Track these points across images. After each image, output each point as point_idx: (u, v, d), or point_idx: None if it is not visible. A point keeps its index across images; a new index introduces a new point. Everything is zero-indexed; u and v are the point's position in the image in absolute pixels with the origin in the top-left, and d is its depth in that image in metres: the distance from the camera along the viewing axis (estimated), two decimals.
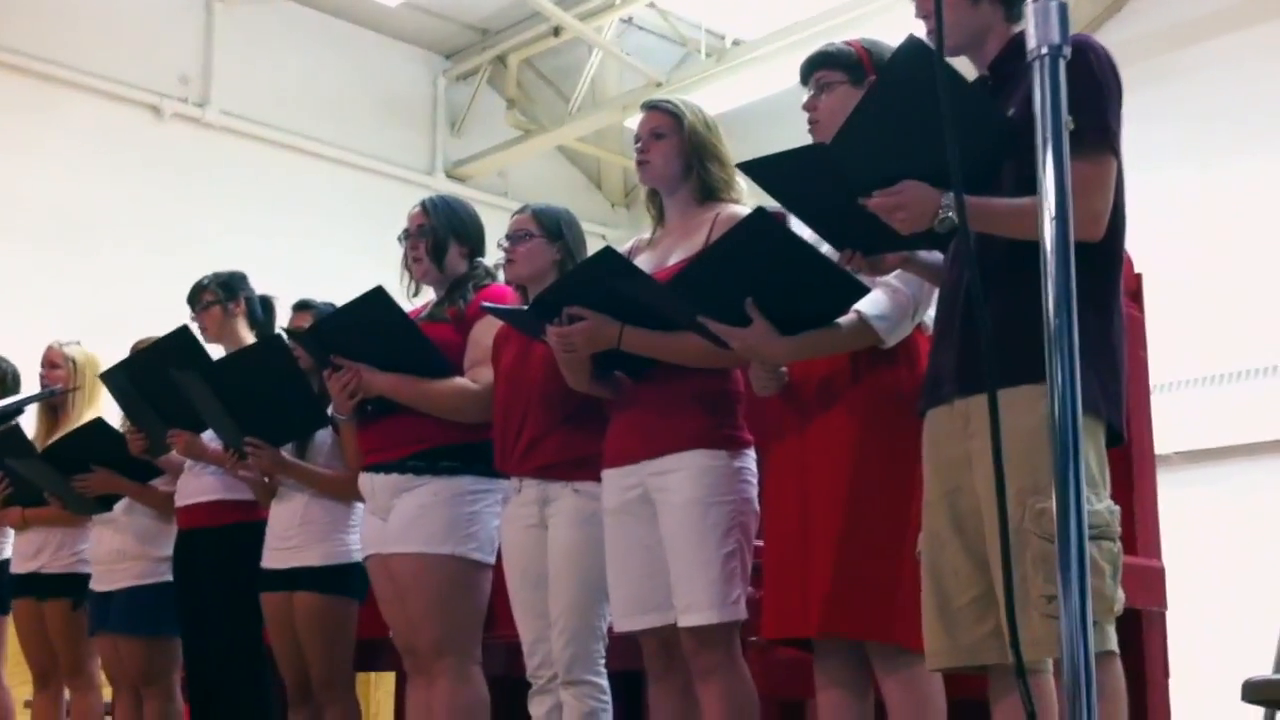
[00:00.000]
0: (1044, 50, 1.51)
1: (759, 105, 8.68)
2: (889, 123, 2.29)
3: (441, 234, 3.71)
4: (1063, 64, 1.52)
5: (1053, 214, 1.54)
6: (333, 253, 8.83)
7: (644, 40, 9.82)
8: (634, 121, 9.53)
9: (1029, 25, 1.56)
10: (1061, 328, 1.61)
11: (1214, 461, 7.39)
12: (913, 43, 2.26)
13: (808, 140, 2.87)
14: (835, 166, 2.37)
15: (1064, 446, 1.61)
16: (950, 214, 2.28)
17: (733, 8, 9.08)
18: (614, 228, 10.64)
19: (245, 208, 8.84)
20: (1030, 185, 1.68)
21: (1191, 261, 7.66)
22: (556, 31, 9.51)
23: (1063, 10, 1.53)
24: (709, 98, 8.85)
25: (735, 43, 9.22)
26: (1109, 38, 8.43)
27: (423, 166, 10.02)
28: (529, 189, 10.33)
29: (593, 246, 10.60)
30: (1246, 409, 7.51)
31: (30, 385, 5.21)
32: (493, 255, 3.75)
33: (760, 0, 8.82)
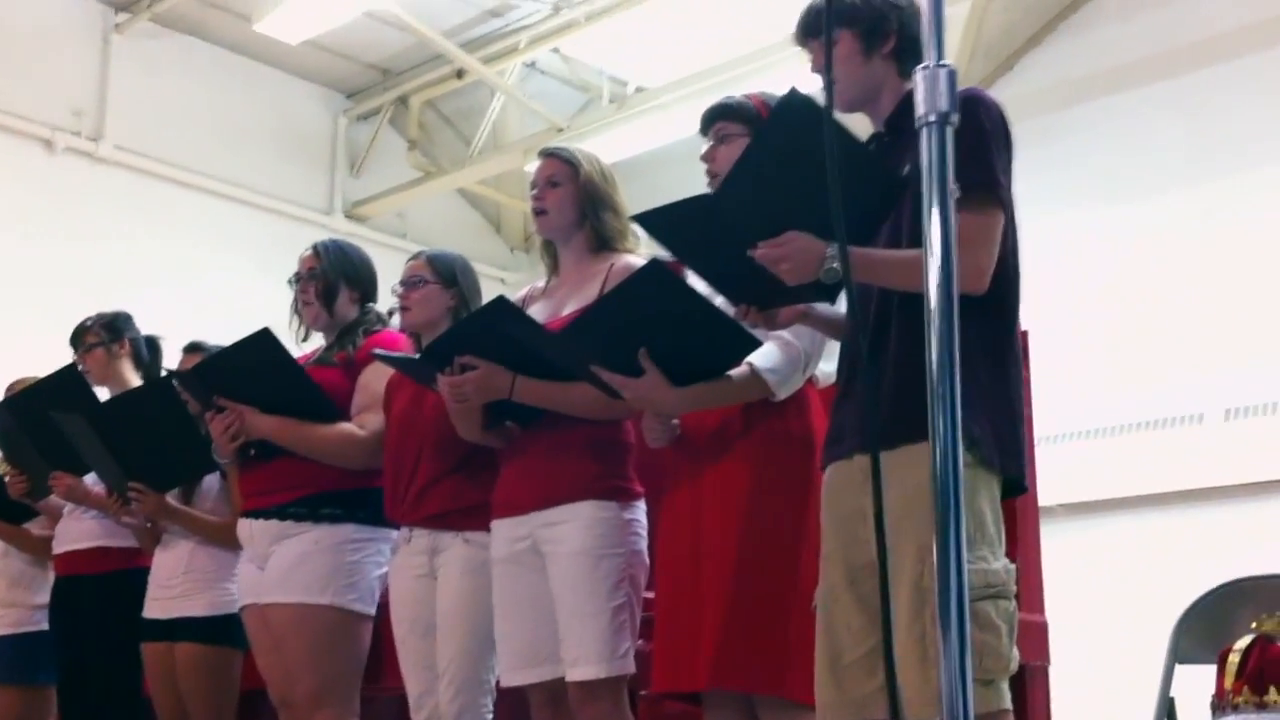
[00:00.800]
0: (932, 117, 1.52)
1: (661, 152, 8.72)
2: (773, 174, 2.31)
3: (333, 278, 3.67)
4: (950, 131, 1.53)
5: (937, 274, 1.55)
6: (228, 290, 8.69)
7: (547, 85, 9.83)
8: (535, 166, 9.54)
9: (917, 92, 1.57)
10: (944, 384, 1.61)
11: (1097, 514, 7.51)
12: (795, 95, 2.28)
13: (707, 190, 2.89)
14: (721, 217, 2.38)
15: (945, 503, 1.62)
16: (835, 265, 2.29)
17: (635, 55, 9.13)
18: (514, 271, 10.60)
19: (139, 243, 8.66)
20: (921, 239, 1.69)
21: (1078, 313, 7.81)
22: (460, 74, 9.49)
23: (951, 77, 1.53)
24: (611, 143, 8.92)
25: (638, 89, 9.27)
26: (1000, 94, 8.60)
27: (321, 205, 9.91)
28: (428, 231, 10.28)
29: (492, 290, 10.59)
30: (1130, 462, 7.65)
31: None
32: (386, 300, 3.71)
33: (663, 48, 8.88)
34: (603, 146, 8.94)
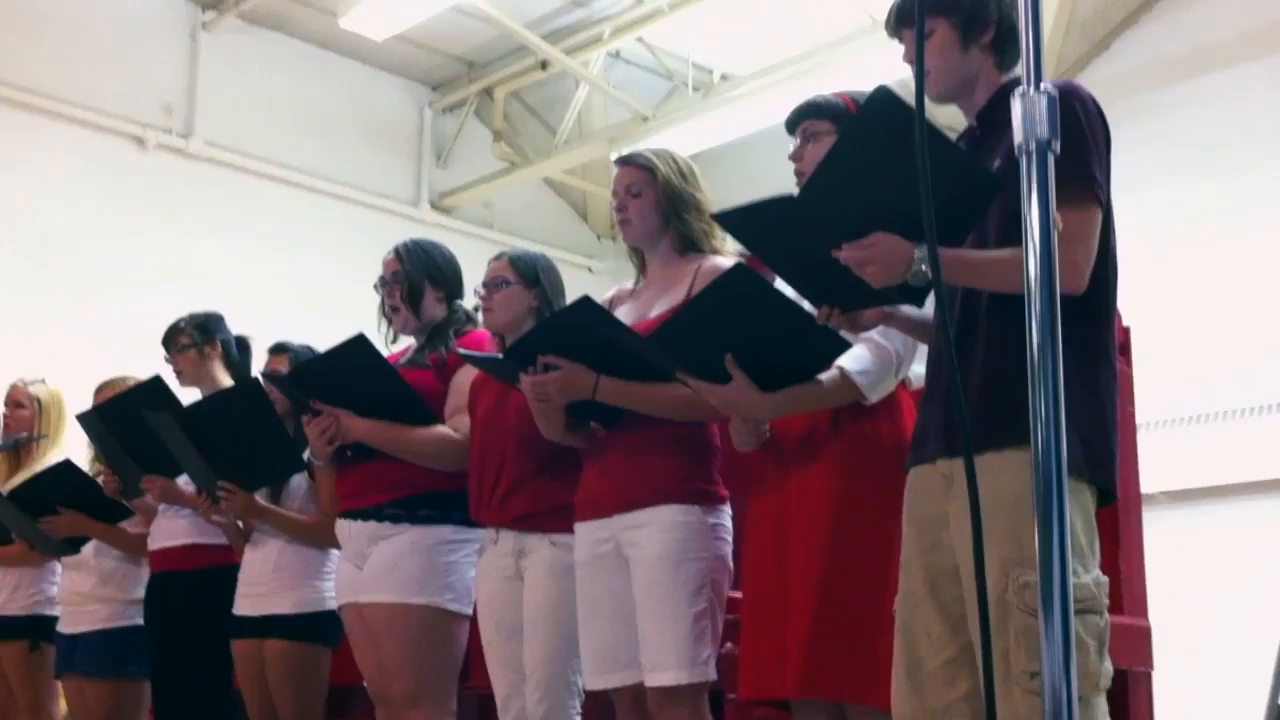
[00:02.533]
0: (1031, 146, 1.44)
1: (747, 139, 8.66)
2: (859, 173, 2.23)
3: (416, 280, 3.65)
4: (1051, 159, 1.44)
5: (1037, 292, 1.46)
6: (318, 282, 8.77)
7: (631, 74, 9.80)
8: (620, 154, 9.51)
9: (1015, 119, 1.48)
10: (1047, 392, 1.55)
11: (1201, 501, 7.34)
12: (882, 93, 2.21)
13: (794, 187, 2.82)
14: (804, 217, 2.32)
15: (1047, 519, 1.55)
16: (924, 267, 2.22)
17: (720, 43, 9.07)
18: (600, 259, 10.60)
19: (229, 238, 8.78)
20: (1012, 235, 1.61)
21: (1179, 294, 7.63)
22: (544, 65, 9.49)
23: (1051, 104, 1.45)
24: (696, 132, 8.88)
25: (723, 77, 9.20)
26: (1095, 73, 8.45)
27: (408, 197, 9.97)
28: (515, 220, 10.31)
29: (580, 277, 10.55)
30: (1234, 448, 7.46)
31: None
32: (470, 298, 3.69)
33: (747, 36, 8.80)
34: (688, 135, 8.92)
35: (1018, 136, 1.47)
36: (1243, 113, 7.79)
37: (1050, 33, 8.27)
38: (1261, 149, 7.68)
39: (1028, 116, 1.44)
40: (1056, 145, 1.46)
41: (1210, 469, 7.40)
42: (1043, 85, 1.43)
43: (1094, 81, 8.40)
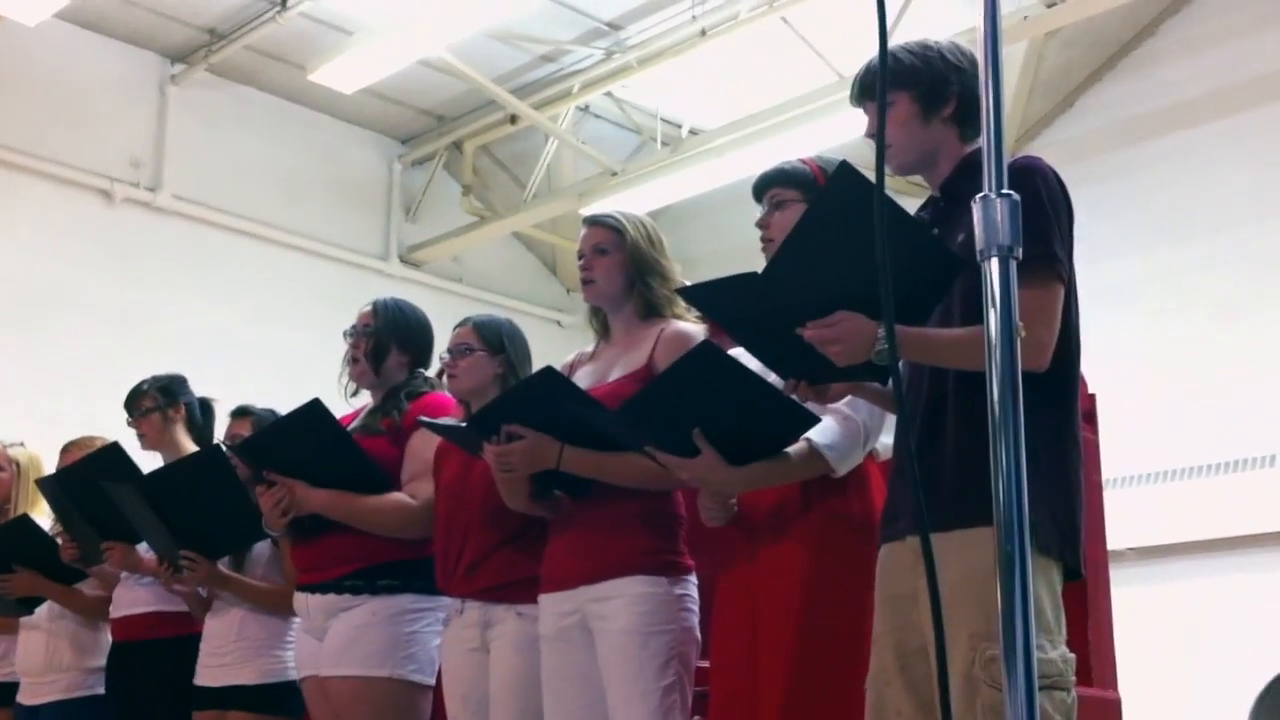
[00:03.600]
0: (993, 254, 1.43)
1: (715, 194, 8.69)
2: (823, 251, 2.22)
3: (384, 338, 3.64)
4: (1014, 265, 1.43)
5: (999, 403, 1.45)
6: (286, 337, 8.73)
7: (600, 128, 9.83)
8: (590, 208, 9.50)
9: (975, 225, 1.48)
10: (1010, 474, 1.54)
11: (1169, 558, 7.35)
12: (845, 170, 2.20)
13: (762, 253, 2.82)
14: (770, 295, 2.31)
15: (1010, 596, 1.54)
16: (887, 346, 2.21)
17: (688, 98, 9.11)
18: (570, 313, 10.58)
19: (197, 292, 8.72)
20: (977, 315, 1.61)
21: (1138, 354, 7.68)
22: (513, 119, 9.51)
23: (1014, 208, 1.44)
24: (665, 186, 8.90)
25: (691, 132, 9.24)
26: (1060, 132, 8.52)
27: (377, 251, 9.94)
28: (484, 275, 10.29)
29: (548, 331, 10.49)
30: (1197, 505, 7.49)
31: None
32: (437, 364, 3.67)
33: (716, 91, 8.85)
34: (657, 189, 8.95)
35: (979, 242, 1.46)
36: (1210, 172, 7.86)
37: (1015, 91, 8.34)
38: (1229, 210, 7.74)
39: (989, 222, 1.42)
40: (1019, 251, 1.45)
41: (1175, 526, 7.41)
42: (1005, 191, 1.42)
43: (1058, 139, 8.49)
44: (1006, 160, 2.34)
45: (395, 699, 3.40)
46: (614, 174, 9.21)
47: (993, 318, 1.41)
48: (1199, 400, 7.61)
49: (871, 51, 2.19)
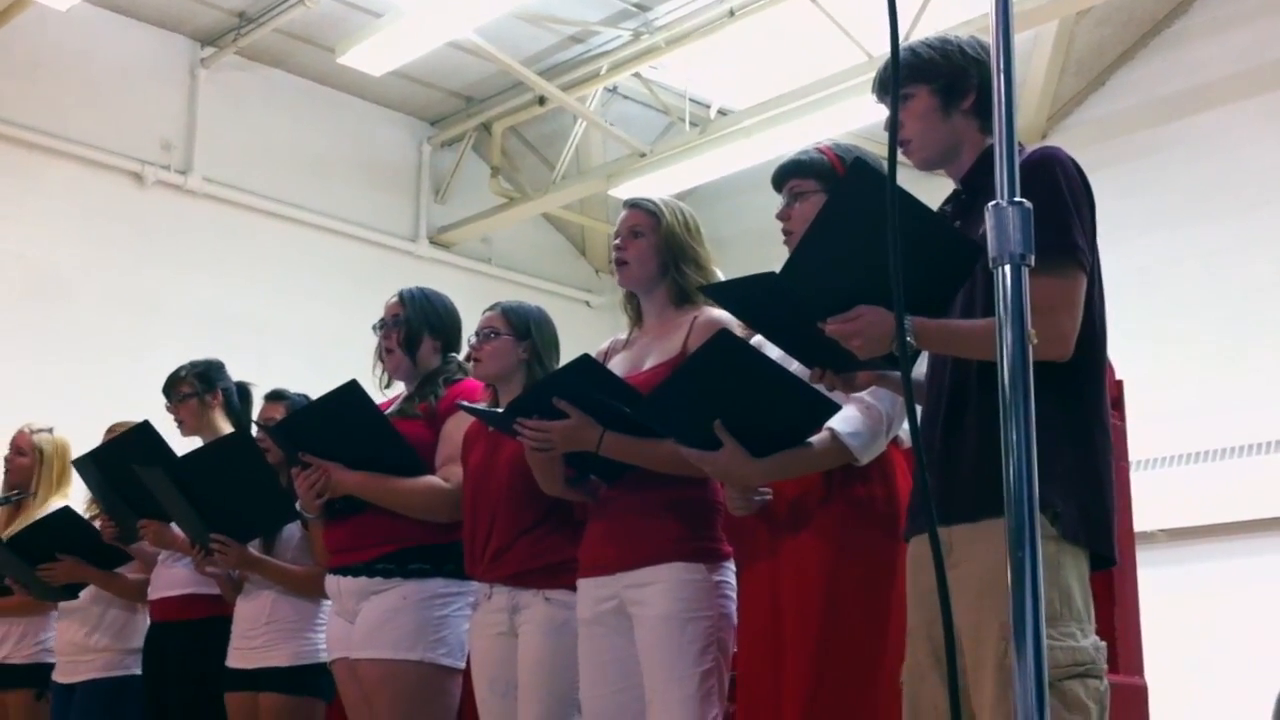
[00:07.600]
0: (1005, 261, 1.43)
1: (744, 175, 8.67)
2: (841, 246, 2.23)
3: (415, 326, 3.66)
4: (1025, 273, 1.43)
5: (1012, 406, 1.45)
6: (315, 319, 8.77)
7: (629, 109, 9.82)
8: (619, 190, 9.46)
9: (987, 232, 1.48)
10: (1020, 466, 1.54)
11: (1200, 540, 7.33)
12: (859, 165, 2.21)
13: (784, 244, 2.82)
14: (790, 292, 2.32)
15: (1020, 586, 1.55)
16: (910, 338, 2.22)
17: (717, 78, 9.08)
18: (598, 293, 10.59)
19: (228, 274, 8.77)
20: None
21: (1168, 334, 7.63)
22: (541, 101, 9.50)
23: (1025, 215, 1.44)
24: (694, 168, 8.89)
25: (720, 113, 9.21)
26: (1091, 111, 8.46)
27: (406, 233, 9.96)
28: (513, 256, 10.31)
29: (577, 311, 10.50)
30: (1227, 487, 7.45)
31: None
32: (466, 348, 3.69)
33: (745, 71, 8.82)
34: (686, 170, 8.94)
35: (991, 250, 1.47)
36: (1240, 150, 7.80)
37: (1046, 71, 8.29)
38: (1259, 188, 7.68)
39: (1001, 230, 1.42)
40: (1031, 259, 1.45)
41: (1206, 508, 7.38)
42: (1017, 199, 1.42)
43: (1089, 118, 8.43)
44: (1029, 150, 2.36)
45: (425, 682, 3.43)
46: (642, 155, 9.20)
47: (1006, 328, 1.41)
48: (1229, 380, 7.56)
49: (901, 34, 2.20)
